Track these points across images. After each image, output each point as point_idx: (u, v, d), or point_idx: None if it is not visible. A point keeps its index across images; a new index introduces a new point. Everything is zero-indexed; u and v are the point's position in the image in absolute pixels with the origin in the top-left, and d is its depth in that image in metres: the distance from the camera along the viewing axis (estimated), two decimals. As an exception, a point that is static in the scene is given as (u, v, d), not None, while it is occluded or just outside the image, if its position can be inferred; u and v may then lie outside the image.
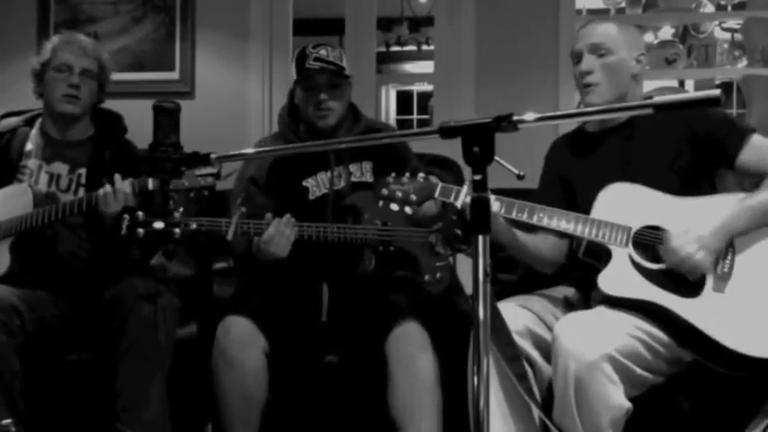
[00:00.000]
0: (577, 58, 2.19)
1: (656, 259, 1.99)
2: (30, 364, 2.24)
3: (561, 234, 2.10)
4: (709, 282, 1.97)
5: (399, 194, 2.13)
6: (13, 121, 2.61)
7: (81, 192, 2.49)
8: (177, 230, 2.17)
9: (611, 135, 2.21)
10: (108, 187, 2.26)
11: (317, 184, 2.51)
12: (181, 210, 2.16)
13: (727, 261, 1.99)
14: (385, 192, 2.14)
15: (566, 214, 2.06)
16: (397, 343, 2.25)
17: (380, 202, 2.15)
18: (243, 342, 2.25)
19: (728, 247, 2.00)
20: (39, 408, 2.29)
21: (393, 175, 2.16)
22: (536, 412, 1.96)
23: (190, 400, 2.43)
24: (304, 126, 2.53)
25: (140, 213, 2.15)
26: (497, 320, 1.91)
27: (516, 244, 2.14)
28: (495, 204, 2.05)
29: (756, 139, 2.08)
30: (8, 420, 2.07)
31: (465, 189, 2.07)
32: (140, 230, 2.14)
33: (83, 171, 2.52)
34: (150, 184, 2.27)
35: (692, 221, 1.98)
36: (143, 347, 2.24)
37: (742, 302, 1.94)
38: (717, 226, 1.97)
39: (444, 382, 2.25)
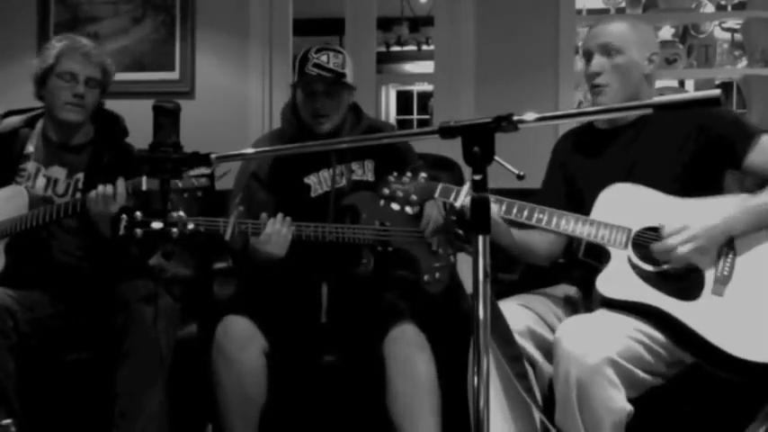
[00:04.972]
0: (587, 57, 2.16)
1: (656, 261, 1.97)
2: (26, 364, 2.24)
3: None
4: (709, 284, 1.95)
5: (400, 194, 2.14)
6: (14, 120, 2.59)
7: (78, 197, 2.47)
8: (175, 230, 2.16)
9: (619, 134, 2.18)
10: (100, 188, 2.24)
11: (318, 182, 2.50)
12: (180, 213, 2.16)
13: (728, 263, 1.96)
14: (386, 191, 2.15)
15: (565, 215, 2.05)
16: (394, 345, 2.26)
17: (382, 202, 2.16)
18: (242, 342, 2.25)
19: (729, 249, 1.97)
20: (36, 408, 2.29)
21: (395, 174, 2.17)
22: (536, 413, 1.95)
23: (190, 400, 2.43)
24: (305, 125, 2.52)
25: (138, 213, 2.15)
26: (498, 320, 1.91)
27: (511, 242, 2.14)
28: (495, 207, 2.04)
29: (766, 139, 2.04)
30: (8, 420, 2.07)
31: (465, 189, 2.07)
32: (138, 231, 2.13)
33: (80, 176, 2.50)
34: (144, 183, 2.25)
35: (689, 220, 1.96)
36: (144, 353, 2.24)
37: (741, 306, 1.92)
38: (712, 223, 1.94)
39: (444, 383, 2.25)
